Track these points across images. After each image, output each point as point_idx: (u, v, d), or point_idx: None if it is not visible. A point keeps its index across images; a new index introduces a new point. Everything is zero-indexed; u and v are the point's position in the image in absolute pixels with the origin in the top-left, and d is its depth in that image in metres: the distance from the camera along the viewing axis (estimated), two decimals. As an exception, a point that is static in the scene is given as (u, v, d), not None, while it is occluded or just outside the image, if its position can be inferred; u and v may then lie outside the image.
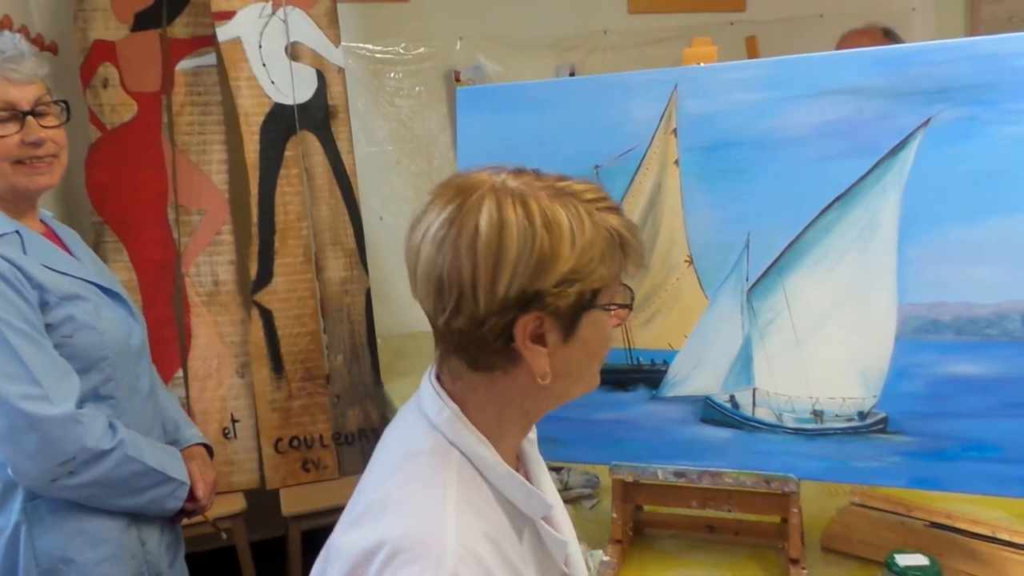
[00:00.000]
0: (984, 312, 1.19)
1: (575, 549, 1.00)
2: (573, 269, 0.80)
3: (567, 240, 0.80)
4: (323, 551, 0.87)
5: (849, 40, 2.56)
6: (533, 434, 1.00)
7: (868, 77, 1.23)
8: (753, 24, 3.17)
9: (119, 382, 1.42)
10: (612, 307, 0.86)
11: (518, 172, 0.85)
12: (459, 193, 0.82)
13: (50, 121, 1.37)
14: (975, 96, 1.16)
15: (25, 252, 1.34)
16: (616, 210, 0.86)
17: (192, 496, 1.53)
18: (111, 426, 1.37)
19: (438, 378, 0.90)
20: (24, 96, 1.33)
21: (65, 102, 1.42)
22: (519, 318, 0.80)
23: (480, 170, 0.86)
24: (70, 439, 1.29)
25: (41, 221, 1.47)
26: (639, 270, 0.89)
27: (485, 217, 0.79)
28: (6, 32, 1.38)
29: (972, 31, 3.14)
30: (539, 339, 0.82)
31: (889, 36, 2.53)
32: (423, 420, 0.87)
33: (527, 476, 0.95)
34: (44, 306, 1.32)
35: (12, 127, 1.31)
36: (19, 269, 1.30)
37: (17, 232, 1.35)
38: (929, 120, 1.19)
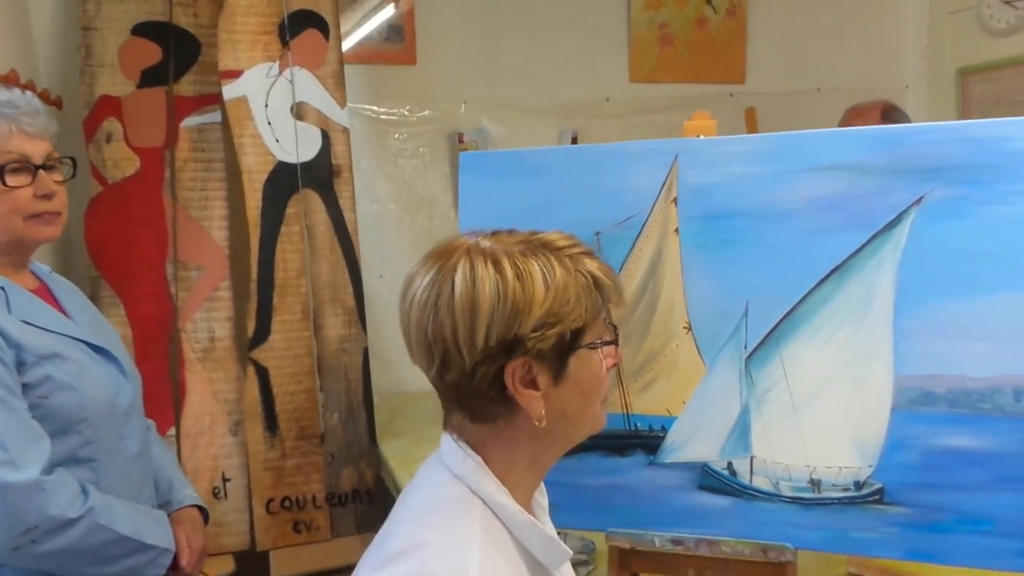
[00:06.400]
0: (977, 385, 1.21)
1: None
2: (549, 312, 0.86)
3: (540, 286, 0.86)
4: None
5: (853, 115, 2.59)
6: (544, 499, 1.02)
7: (862, 154, 1.26)
8: (752, 96, 3.24)
9: (100, 444, 1.37)
10: (597, 344, 0.91)
11: (493, 233, 0.92)
12: (439, 258, 0.89)
13: (57, 176, 1.39)
14: (967, 176, 1.20)
15: (9, 309, 1.31)
16: (588, 254, 0.91)
17: (176, 563, 1.46)
18: (83, 491, 1.31)
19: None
20: (37, 150, 1.34)
21: (72, 159, 1.44)
22: (507, 365, 0.86)
23: (459, 235, 0.93)
24: (32, 507, 1.23)
25: (35, 275, 1.46)
26: (618, 307, 0.94)
27: (459, 276, 0.86)
28: (16, 89, 1.40)
29: (963, 110, 3.20)
30: (531, 383, 0.88)
31: (894, 112, 2.56)
32: (446, 472, 0.92)
33: None
34: (21, 365, 1.28)
35: (25, 179, 1.32)
36: None
37: (2, 288, 1.33)
38: (922, 198, 1.22)
